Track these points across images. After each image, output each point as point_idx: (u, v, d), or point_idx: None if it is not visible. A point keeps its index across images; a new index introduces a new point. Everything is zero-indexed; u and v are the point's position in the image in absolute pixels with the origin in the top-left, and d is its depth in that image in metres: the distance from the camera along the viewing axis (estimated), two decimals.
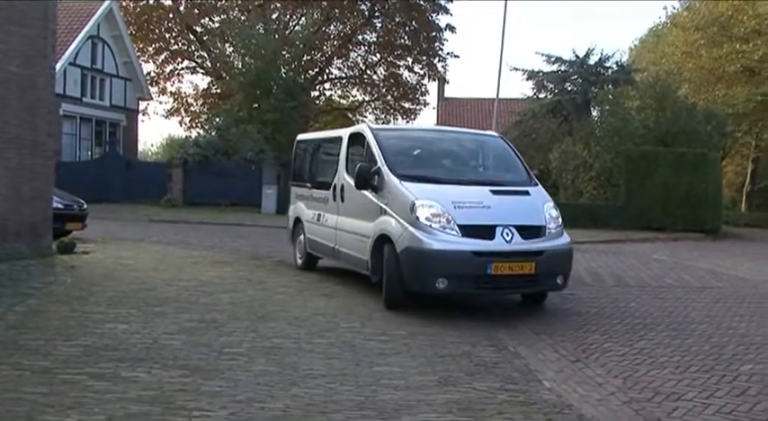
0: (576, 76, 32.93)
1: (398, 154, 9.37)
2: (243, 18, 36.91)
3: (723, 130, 30.28)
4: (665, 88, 28.18)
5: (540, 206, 8.85)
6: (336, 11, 39.86)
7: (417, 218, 8.17)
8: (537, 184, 9.56)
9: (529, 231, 8.41)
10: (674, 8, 43.01)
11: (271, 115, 29.53)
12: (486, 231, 8.16)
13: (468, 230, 8.11)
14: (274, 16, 37.37)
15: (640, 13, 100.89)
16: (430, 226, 8.09)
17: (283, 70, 31.76)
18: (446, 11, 40.45)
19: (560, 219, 8.94)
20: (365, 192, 9.19)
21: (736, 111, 33.84)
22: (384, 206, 8.77)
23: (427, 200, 8.27)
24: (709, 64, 34.61)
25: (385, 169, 8.90)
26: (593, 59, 32.63)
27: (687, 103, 29.69)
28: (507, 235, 8.17)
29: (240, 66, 32.99)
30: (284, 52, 32.14)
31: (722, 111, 31.53)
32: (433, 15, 40.52)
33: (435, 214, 8.17)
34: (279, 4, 38.89)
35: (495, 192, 8.69)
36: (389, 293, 8.58)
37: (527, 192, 9.09)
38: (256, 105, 30.67)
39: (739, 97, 34.14)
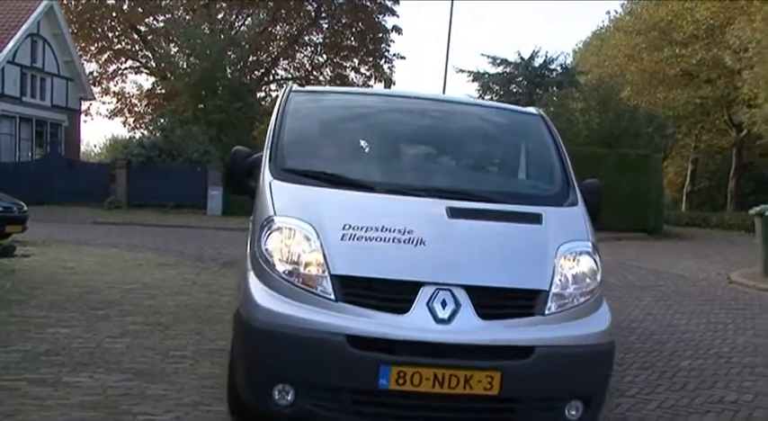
0: (521, 78, 33.44)
1: (315, 133, 5.22)
2: (188, 18, 36.49)
3: (664, 132, 31.06)
4: (609, 90, 28.77)
5: (550, 249, 4.17)
6: (283, 11, 39.65)
7: (264, 253, 4.09)
8: (575, 203, 4.73)
9: (504, 301, 3.97)
10: (617, 12, 43.88)
11: (216, 116, 29.28)
12: (398, 293, 3.87)
13: (354, 288, 3.88)
14: (220, 16, 37.09)
15: (584, 17, 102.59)
16: (284, 273, 3.99)
17: (229, 71, 31.54)
18: (392, 12, 40.56)
19: (597, 278, 4.24)
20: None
21: (676, 113, 34.74)
22: (251, 225, 4.71)
23: (296, 219, 4.14)
24: (650, 67, 35.35)
25: (265, 158, 4.76)
26: (537, 62, 33.20)
27: (630, 105, 30.35)
28: (445, 305, 3.85)
29: (185, 66, 32.64)
30: (230, 53, 31.91)
31: (663, 113, 32.34)
32: (380, 17, 40.57)
33: (299, 250, 4.02)
34: (224, 4, 38.52)
35: (454, 213, 4.27)
36: (230, 398, 4.56)
37: (536, 218, 4.40)
38: (201, 106, 30.35)
39: (679, 100, 35.00)
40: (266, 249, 4.05)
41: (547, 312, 3.96)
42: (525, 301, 3.94)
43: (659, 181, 26.58)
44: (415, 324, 3.78)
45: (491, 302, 3.86)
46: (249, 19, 39.13)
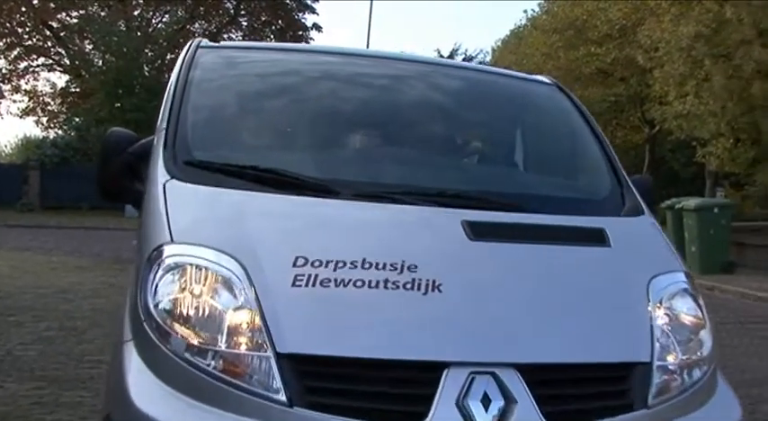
0: None
1: (237, 107, 3.47)
2: (103, 14, 35.62)
3: None
4: None
5: (636, 288, 2.59)
6: (201, 9, 39.03)
7: (153, 311, 2.28)
8: (638, 211, 3.14)
9: (583, 388, 2.28)
10: (534, 11, 44.69)
11: (133, 115, 28.62)
12: (406, 386, 2.14)
13: (322, 380, 2.12)
14: (136, 13, 36.33)
15: (503, 15, 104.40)
16: (188, 351, 2.20)
17: (146, 69, 31.01)
18: (312, 10, 40.39)
19: (710, 335, 2.62)
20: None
21: (592, 110, 35.21)
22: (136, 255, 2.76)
23: (208, 249, 2.36)
24: (566, 65, 36.12)
25: (158, 146, 2.94)
26: (457, 59, 33.52)
27: None
28: (487, 403, 2.12)
29: (101, 64, 31.92)
30: (147, 50, 31.34)
31: None
32: (299, 14, 40.37)
33: (215, 307, 2.25)
34: (141, 1, 37.75)
35: (478, 231, 2.58)
36: None
37: (598, 236, 2.76)
38: (118, 105, 29.74)
39: (595, 97, 35.86)
40: (156, 305, 2.26)
41: (651, 401, 2.31)
42: (616, 386, 2.32)
43: None
44: None
45: (562, 391, 2.24)
46: (167, 16, 38.43)
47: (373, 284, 2.28)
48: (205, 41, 3.77)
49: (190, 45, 3.61)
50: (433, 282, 2.32)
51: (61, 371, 5.57)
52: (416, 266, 2.35)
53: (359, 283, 2.28)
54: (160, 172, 2.75)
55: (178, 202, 2.59)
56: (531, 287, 2.48)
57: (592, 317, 2.46)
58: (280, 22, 40.06)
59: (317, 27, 40.83)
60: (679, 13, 24.42)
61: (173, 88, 3.22)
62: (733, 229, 14.86)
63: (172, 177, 2.70)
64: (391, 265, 2.34)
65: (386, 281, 2.30)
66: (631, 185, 3.29)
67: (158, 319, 2.25)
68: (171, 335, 2.23)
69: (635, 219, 3.07)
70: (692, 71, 24.18)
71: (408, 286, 2.30)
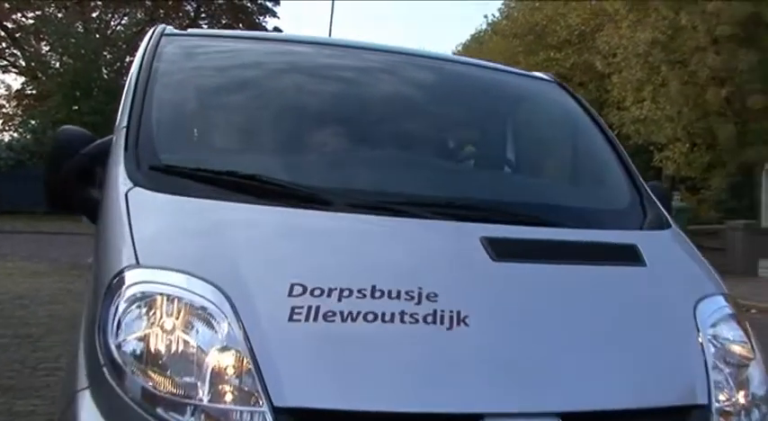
0: None
1: (210, 103, 3.01)
2: (60, 15, 35.10)
3: None
4: None
5: (681, 314, 2.25)
6: (161, 11, 38.73)
7: (114, 352, 1.82)
8: (664, 223, 2.76)
9: None
10: (494, 16, 45.07)
11: (91, 118, 28.27)
12: None
13: None
14: (95, 14, 35.84)
15: (464, 20, 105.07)
16: (160, 405, 1.76)
17: (105, 71, 30.63)
18: (273, 14, 40.44)
19: (757, 358, 2.24)
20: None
21: None
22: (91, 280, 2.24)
23: (181, 274, 1.91)
24: (527, 70, 36.51)
25: (117, 148, 2.45)
26: None
27: None
28: None
29: (58, 66, 31.45)
30: (106, 53, 30.95)
31: None
32: (261, 18, 40.34)
33: (192, 347, 1.81)
34: (99, 2, 37.27)
35: (500, 250, 2.20)
36: None
37: (632, 253, 2.41)
38: (76, 108, 29.34)
39: None
40: (119, 346, 1.83)
41: None
42: None
43: None
44: None
45: None
46: (126, 18, 38.04)
47: (387, 318, 1.89)
48: (170, 29, 3.25)
49: (153, 32, 3.11)
50: (458, 313, 1.94)
51: (15, 380, 5.48)
52: (436, 295, 1.97)
53: (370, 317, 1.88)
54: (121, 178, 2.29)
55: (143, 216, 2.13)
56: (569, 317, 2.11)
57: (640, 351, 2.10)
58: (240, 25, 39.85)
59: (277, 31, 40.68)
60: (636, 19, 24.82)
61: (134, 81, 2.74)
62: (689, 233, 15.06)
63: (135, 185, 2.25)
64: (407, 294, 1.95)
65: (402, 313, 1.91)
66: (651, 193, 2.94)
67: (122, 364, 1.81)
68: (138, 383, 1.79)
69: (663, 232, 2.70)
70: (649, 77, 24.62)
71: (429, 319, 1.92)
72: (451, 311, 1.94)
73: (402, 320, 1.89)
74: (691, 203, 24.53)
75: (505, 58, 38.10)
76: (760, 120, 22.91)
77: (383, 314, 1.89)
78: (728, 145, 23.53)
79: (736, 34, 21.71)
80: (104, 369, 1.82)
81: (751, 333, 2.30)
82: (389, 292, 1.94)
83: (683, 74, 23.23)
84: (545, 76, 3.72)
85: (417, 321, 1.90)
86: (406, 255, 2.16)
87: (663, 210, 2.84)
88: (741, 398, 2.11)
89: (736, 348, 2.22)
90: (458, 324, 1.92)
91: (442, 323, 1.91)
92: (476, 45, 49.28)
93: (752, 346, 2.25)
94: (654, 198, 2.89)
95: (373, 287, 1.94)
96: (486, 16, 72.53)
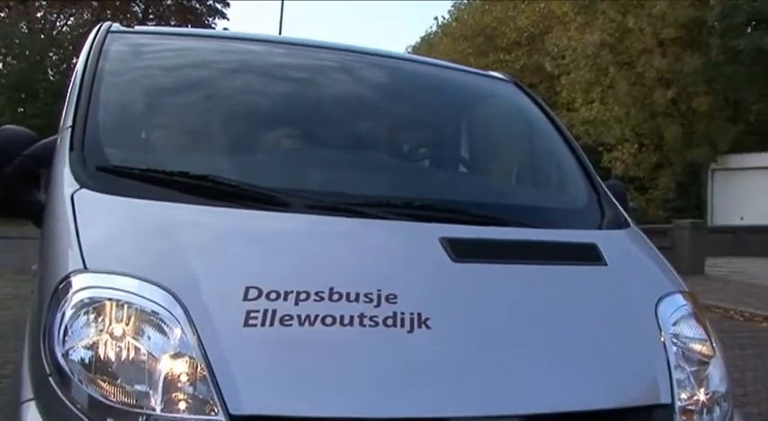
0: None
1: (158, 101, 2.85)
2: (2, 15, 34.38)
3: None
4: None
5: (642, 313, 2.22)
6: (108, 12, 38.16)
7: (60, 361, 1.72)
8: (622, 222, 2.73)
9: None
10: (445, 18, 45.36)
11: (37, 121, 27.74)
12: None
13: None
14: (39, 15, 35.18)
15: (414, 21, 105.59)
16: (110, 412, 1.67)
17: (51, 73, 30.06)
18: (223, 15, 40.19)
19: (723, 365, 2.22)
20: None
21: None
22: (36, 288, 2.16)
23: (131, 278, 1.82)
24: None
25: (63, 148, 2.35)
26: None
27: None
28: None
29: (1, 67, 30.79)
30: (52, 54, 30.39)
31: None
32: (210, 19, 40.08)
33: (143, 354, 1.72)
34: (44, 2, 36.60)
35: (460, 250, 2.15)
36: None
37: (592, 253, 2.37)
38: (21, 110, 28.77)
39: None
40: (65, 354, 1.74)
41: None
42: None
43: None
44: None
45: None
46: (72, 18, 37.41)
47: (346, 321, 1.83)
48: (116, 26, 3.12)
49: (98, 29, 3.01)
50: (419, 315, 1.89)
51: None
52: (396, 297, 1.91)
53: (328, 321, 1.82)
54: (66, 180, 2.18)
55: (90, 218, 2.04)
56: (531, 318, 2.08)
57: (603, 351, 2.08)
58: (189, 26, 39.52)
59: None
60: (584, 21, 25.24)
61: (79, 80, 2.64)
62: None
63: (81, 186, 2.14)
64: (366, 296, 1.90)
65: (361, 316, 1.85)
66: (608, 192, 2.91)
67: (69, 372, 1.72)
68: (86, 393, 1.70)
69: (622, 231, 2.68)
70: (598, 78, 25.04)
71: (390, 322, 1.86)
72: (412, 313, 1.89)
73: (361, 324, 1.84)
74: (639, 203, 24.99)
75: (455, 59, 38.44)
76: (705, 122, 23.47)
77: (342, 317, 1.83)
78: (675, 145, 24.06)
79: (680, 37, 22.21)
80: (51, 379, 1.74)
81: (711, 330, 2.29)
82: (348, 295, 1.89)
83: (630, 75, 23.69)
84: (502, 76, 3.65)
85: (377, 324, 1.84)
86: (364, 257, 2.11)
87: (621, 209, 2.83)
88: (702, 396, 2.09)
89: (697, 347, 2.21)
90: (419, 326, 1.87)
91: (402, 326, 1.86)
92: (426, 47, 49.52)
93: (712, 344, 2.24)
94: (611, 197, 2.88)
95: (331, 289, 1.88)
96: (436, 18, 73.09)
